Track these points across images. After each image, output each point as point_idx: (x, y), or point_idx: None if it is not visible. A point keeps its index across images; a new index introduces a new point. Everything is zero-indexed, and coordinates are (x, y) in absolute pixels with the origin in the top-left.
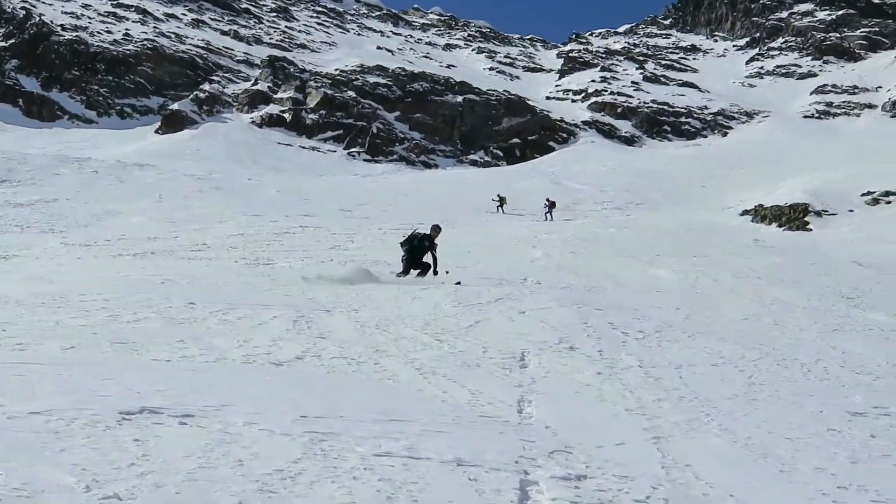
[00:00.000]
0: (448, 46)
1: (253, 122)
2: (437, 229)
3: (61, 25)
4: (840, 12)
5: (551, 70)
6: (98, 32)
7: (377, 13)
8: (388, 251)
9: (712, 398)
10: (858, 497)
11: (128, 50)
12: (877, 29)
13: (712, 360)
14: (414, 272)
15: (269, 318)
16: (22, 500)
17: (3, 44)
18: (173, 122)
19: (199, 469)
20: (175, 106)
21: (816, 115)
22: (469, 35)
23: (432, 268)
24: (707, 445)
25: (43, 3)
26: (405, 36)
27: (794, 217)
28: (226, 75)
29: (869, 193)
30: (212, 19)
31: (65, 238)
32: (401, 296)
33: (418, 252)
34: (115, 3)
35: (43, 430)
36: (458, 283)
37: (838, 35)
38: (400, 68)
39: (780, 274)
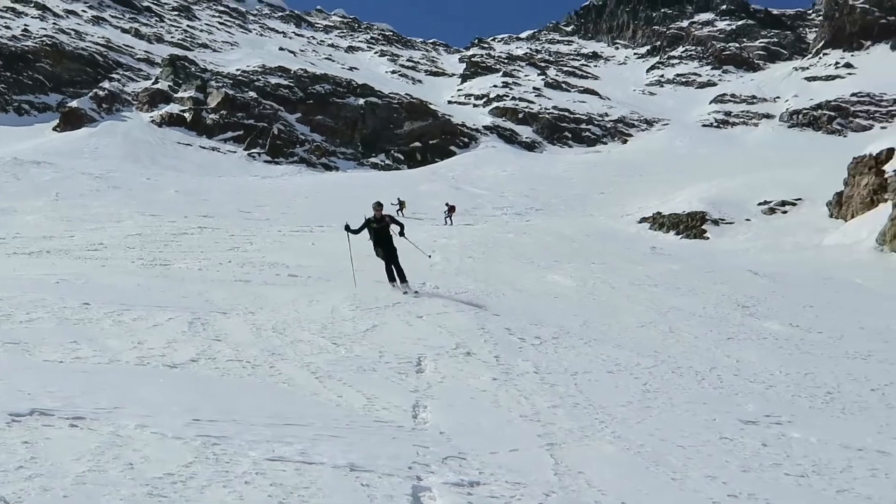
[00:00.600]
0: (350, 49)
1: (153, 121)
2: (376, 207)
3: None
4: (739, 22)
5: (454, 74)
6: None
7: (280, 14)
8: (287, 253)
9: (606, 405)
10: None
11: (26, 46)
12: (775, 40)
13: (608, 367)
14: (396, 275)
15: (165, 320)
16: None
17: None
18: (72, 120)
19: (88, 472)
20: (74, 103)
21: (715, 123)
22: (372, 38)
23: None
24: (600, 452)
25: None
26: (308, 37)
27: (691, 225)
28: (126, 73)
29: (765, 203)
30: (112, 17)
31: None
32: (298, 298)
33: (385, 235)
34: None
35: None
36: (430, 255)
37: (738, 45)
38: (302, 70)
39: (676, 282)
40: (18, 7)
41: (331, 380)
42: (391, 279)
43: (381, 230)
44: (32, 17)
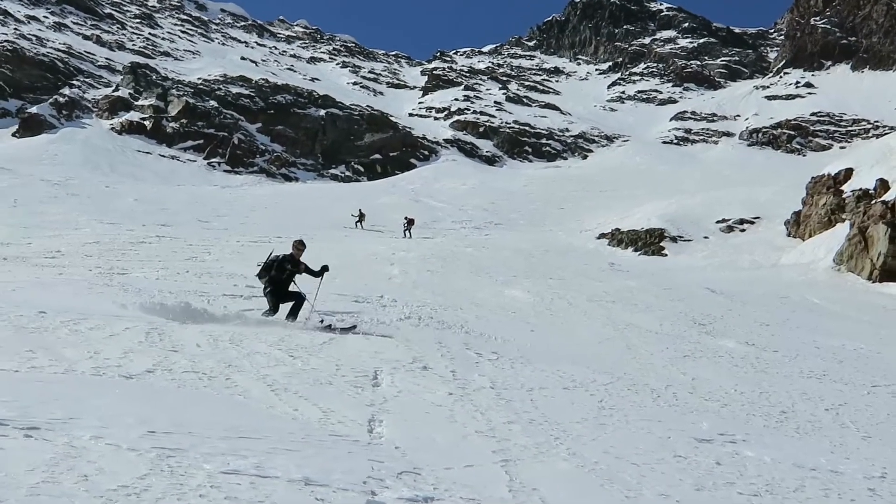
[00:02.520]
0: (312, 59)
1: (113, 128)
2: (298, 246)
3: None
4: (701, 40)
5: (415, 87)
6: None
7: (242, 23)
8: (246, 264)
9: (562, 421)
10: None
11: None
12: (737, 58)
13: (564, 383)
14: (285, 307)
15: (121, 330)
16: None
17: None
18: (31, 126)
19: (42, 483)
20: (34, 109)
21: (675, 141)
22: (334, 49)
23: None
24: (555, 469)
25: None
26: (270, 47)
27: (649, 242)
28: (87, 80)
29: (724, 221)
30: (74, 23)
31: None
32: (256, 309)
33: (281, 281)
34: None
35: None
36: (354, 326)
37: (699, 63)
38: (263, 79)
39: (633, 298)
40: None
41: (287, 392)
42: (271, 310)
43: (289, 274)
44: None
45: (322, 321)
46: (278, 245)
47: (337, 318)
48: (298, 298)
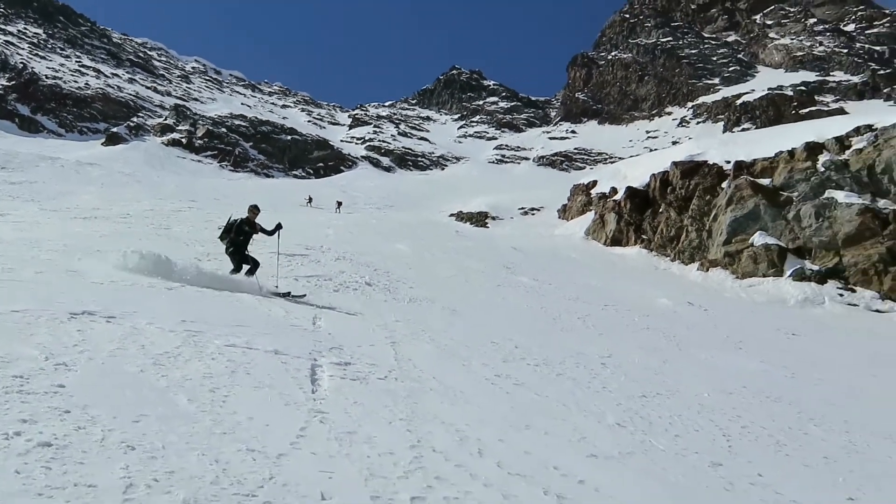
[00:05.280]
0: (284, 106)
1: (163, 143)
2: (253, 210)
3: (45, 75)
4: (513, 103)
5: (344, 124)
6: (68, 81)
7: (242, 83)
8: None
9: (426, 321)
10: (504, 381)
11: (87, 93)
12: (532, 115)
13: (429, 298)
14: (245, 267)
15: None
16: (3, 365)
17: (7, 84)
18: (113, 140)
19: (117, 350)
20: (115, 130)
21: (496, 161)
22: (297, 100)
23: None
24: (422, 349)
25: (34, 61)
26: (258, 98)
27: (479, 219)
28: (147, 113)
29: (522, 208)
30: (140, 79)
31: (40, 206)
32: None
33: (241, 242)
34: (79, 63)
35: (20, 322)
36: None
37: (511, 116)
38: (254, 116)
39: (469, 252)
40: (82, 70)
41: (264, 299)
42: (236, 269)
43: (247, 235)
44: (91, 77)
45: (277, 287)
46: (261, 215)
47: (294, 284)
48: (255, 263)
